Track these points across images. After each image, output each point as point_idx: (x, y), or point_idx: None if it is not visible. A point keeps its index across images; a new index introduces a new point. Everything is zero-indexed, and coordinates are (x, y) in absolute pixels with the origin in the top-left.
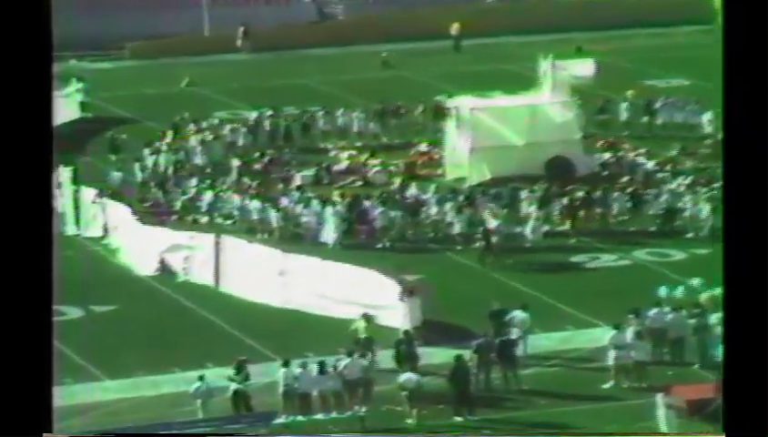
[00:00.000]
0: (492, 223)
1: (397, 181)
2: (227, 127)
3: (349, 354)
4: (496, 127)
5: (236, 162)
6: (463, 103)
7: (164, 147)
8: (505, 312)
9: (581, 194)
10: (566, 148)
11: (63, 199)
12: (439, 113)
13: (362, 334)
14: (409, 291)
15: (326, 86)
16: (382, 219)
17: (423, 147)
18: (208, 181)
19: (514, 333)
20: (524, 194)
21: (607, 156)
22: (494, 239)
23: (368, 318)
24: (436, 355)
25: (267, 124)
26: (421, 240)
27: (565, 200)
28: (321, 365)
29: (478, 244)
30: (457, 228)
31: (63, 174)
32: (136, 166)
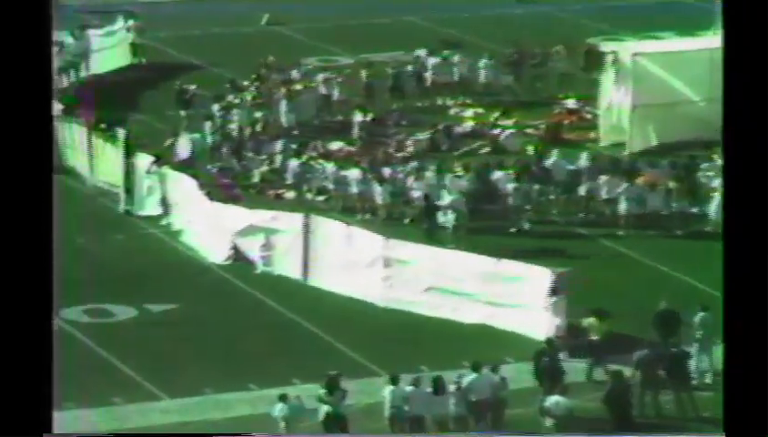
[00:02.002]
0: (657, 200)
1: (534, 148)
2: (319, 77)
3: (475, 368)
4: (666, 78)
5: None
6: (624, 47)
7: (239, 102)
8: (677, 315)
9: None
10: None
11: (113, 166)
12: (592, 60)
13: (596, 334)
14: (552, 289)
15: (442, 24)
16: (516, 196)
17: (571, 103)
18: (295, 145)
19: (691, 343)
20: (704, 164)
21: None
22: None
23: (601, 315)
24: (587, 371)
25: (365, 73)
26: (568, 223)
27: None
28: (438, 382)
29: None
30: (617, 209)
31: (119, 136)
32: (207, 125)
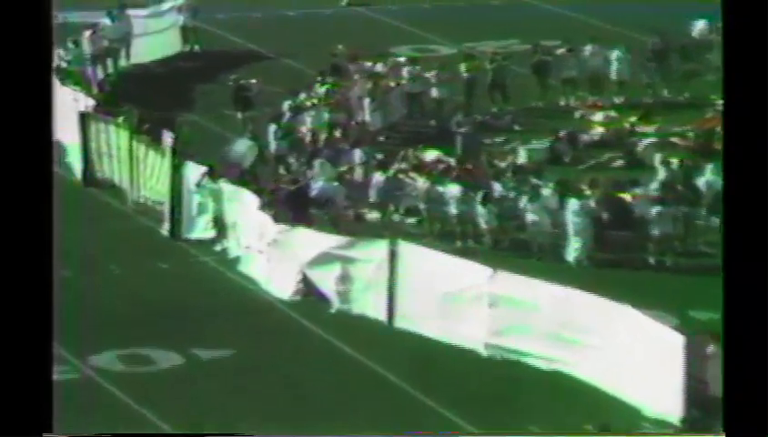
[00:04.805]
0: None
1: (681, 161)
2: (410, 71)
3: (603, 431)
4: None
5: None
6: None
7: (313, 101)
8: None
9: None
10: None
11: (158, 178)
12: None
13: None
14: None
15: (567, 5)
16: (660, 222)
17: None
18: (380, 155)
19: None
20: None
21: None
22: None
23: None
24: None
25: (463, 66)
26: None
27: None
28: None
29: None
30: None
31: (165, 141)
32: (271, 130)
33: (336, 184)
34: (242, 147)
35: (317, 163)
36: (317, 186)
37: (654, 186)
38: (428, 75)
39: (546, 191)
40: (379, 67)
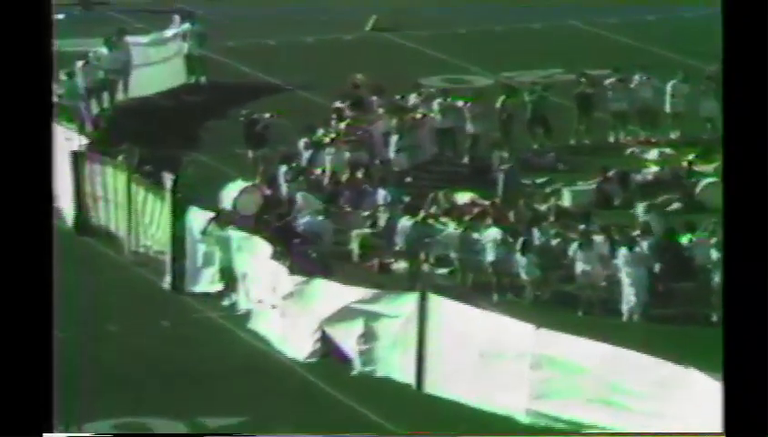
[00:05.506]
0: None
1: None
2: (439, 103)
3: None
4: None
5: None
6: None
7: (331, 136)
8: None
9: None
10: None
11: (158, 225)
12: None
13: None
14: None
15: (617, 31)
16: (720, 271)
17: None
18: (408, 197)
19: None
20: None
21: None
22: None
23: None
24: None
25: (501, 98)
26: None
27: None
28: None
29: None
30: None
31: (167, 183)
32: (281, 170)
33: (321, 218)
34: (234, 192)
35: (299, 195)
36: (303, 221)
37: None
38: (461, 108)
39: (597, 238)
40: (408, 100)
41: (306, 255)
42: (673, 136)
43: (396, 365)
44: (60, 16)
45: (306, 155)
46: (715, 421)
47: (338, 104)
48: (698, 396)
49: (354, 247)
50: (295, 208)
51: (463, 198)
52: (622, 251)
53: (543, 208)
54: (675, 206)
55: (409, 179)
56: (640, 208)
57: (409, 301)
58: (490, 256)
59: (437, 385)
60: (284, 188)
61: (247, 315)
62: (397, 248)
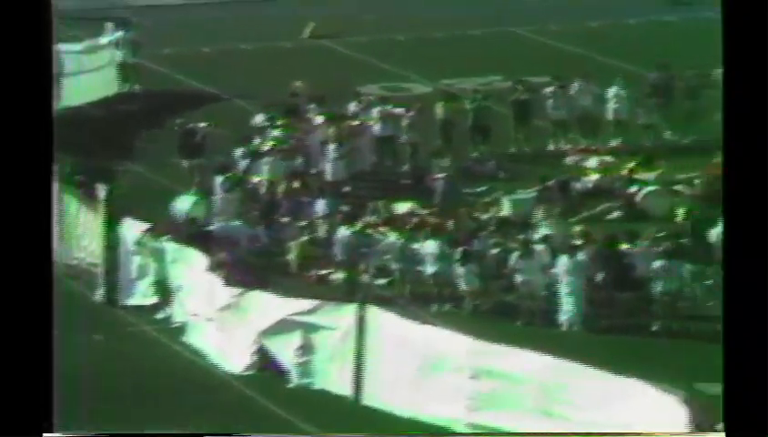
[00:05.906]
0: None
1: (687, 212)
2: (379, 112)
3: None
4: None
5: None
6: None
7: (268, 146)
8: None
9: None
10: None
11: (90, 236)
12: None
13: None
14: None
15: (558, 38)
16: (665, 281)
17: None
18: (346, 207)
19: None
20: None
21: None
22: None
23: None
24: None
25: (441, 107)
26: None
27: None
28: None
29: None
30: None
31: (99, 194)
32: (218, 181)
33: (236, 223)
34: (186, 205)
35: (218, 199)
36: (216, 226)
37: (656, 238)
38: (400, 116)
39: (537, 247)
40: (348, 108)
41: (240, 263)
42: (614, 143)
43: (334, 377)
44: None
45: (242, 164)
46: (659, 430)
47: (257, 119)
48: (639, 406)
49: (292, 257)
50: (212, 213)
51: (402, 207)
52: (562, 260)
53: (484, 217)
54: (616, 214)
55: (347, 189)
56: (580, 217)
57: (348, 313)
58: (429, 267)
59: (375, 397)
60: (219, 199)
61: (182, 328)
62: (335, 258)
